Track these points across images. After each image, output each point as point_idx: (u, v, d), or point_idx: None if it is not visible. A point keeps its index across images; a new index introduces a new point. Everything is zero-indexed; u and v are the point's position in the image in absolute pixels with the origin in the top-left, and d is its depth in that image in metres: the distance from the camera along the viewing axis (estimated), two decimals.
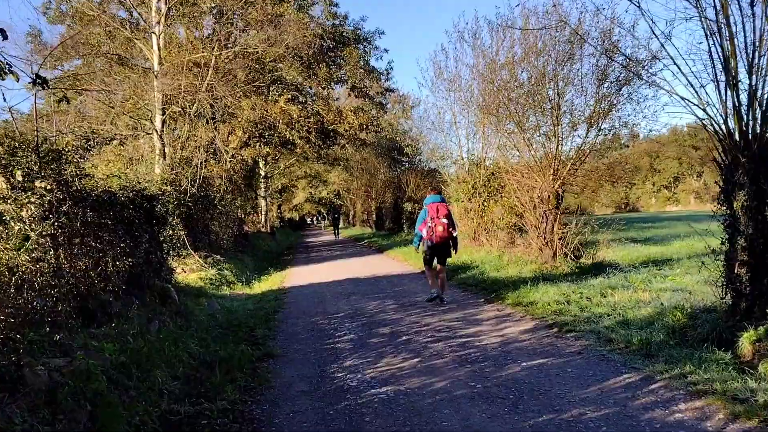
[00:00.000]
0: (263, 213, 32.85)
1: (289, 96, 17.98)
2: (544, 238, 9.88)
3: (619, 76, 9.33)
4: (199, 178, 13.77)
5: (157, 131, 13.97)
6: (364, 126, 19.16)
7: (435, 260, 8.30)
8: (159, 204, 8.66)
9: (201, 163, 13.85)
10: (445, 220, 8.10)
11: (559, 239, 9.76)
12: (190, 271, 12.56)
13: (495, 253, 12.25)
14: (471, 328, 6.34)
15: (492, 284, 8.90)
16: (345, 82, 18.39)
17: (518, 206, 11.40)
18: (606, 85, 9.49)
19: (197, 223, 14.37)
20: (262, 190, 32.93)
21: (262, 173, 30.96)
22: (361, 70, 18.00)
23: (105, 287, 6.04)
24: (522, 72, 9.89)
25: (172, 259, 12.97)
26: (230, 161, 17.80)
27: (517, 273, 9.50)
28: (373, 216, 33.74)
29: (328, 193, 55.97)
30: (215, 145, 16.50)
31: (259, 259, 17.83)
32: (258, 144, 19.64)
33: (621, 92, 9.53)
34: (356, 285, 10.68)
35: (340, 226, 46.64)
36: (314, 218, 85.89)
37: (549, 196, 9.85)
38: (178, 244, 13.31)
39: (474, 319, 6.82)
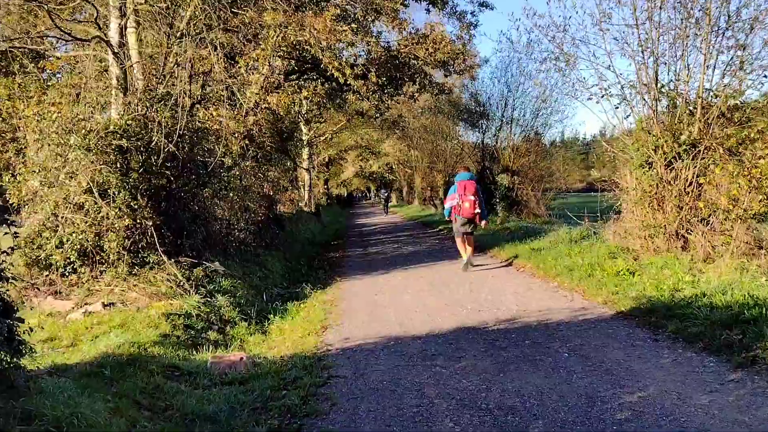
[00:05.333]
0: (306, 188, 27.10)
1: (338, 12, 11.77)
2: None
3: None
4: (180, 128, 7.80)
5: (111, 45, 8.06)
6: (452, 59, 12.83)
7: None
8: None
9: (184, 96, 7.86)
10: (472, 197, 9.02)
11: None
12: (151, 297, 6.68)
13: (756, 270, 5.90)
14: None
15: None
16: None
17: None
18: None
19: (183, 206, 8.50)
20: (305, 161, 27.12)
21: (305, 139, 25.08)
22: None
23: None
24: None
25: (121, 277, 7.15)
26: (252, 110, 11.86)
27: None
28: (440, 193, 27.43)
29: (379, 167, 50.31)
30: (228, 86, 10.57)
31: (294, 258, 11.93)
32: (294, 88, 13.65)
33: None
34: (496, 358, 4.53)
35: (390, 203, 41.74)
36: (363, 194, 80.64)
37: None
38: (143, 245, 7.48)
39: None
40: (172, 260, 7.42)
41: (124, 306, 6.60)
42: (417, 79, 14.39)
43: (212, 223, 9.56)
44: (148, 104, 8.12)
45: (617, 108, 8.46)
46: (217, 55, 8.19)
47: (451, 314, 6.08)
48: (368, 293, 7.76)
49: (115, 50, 8.07)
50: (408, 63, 13.35)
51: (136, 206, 7.40)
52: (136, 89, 8.22)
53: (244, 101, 11.07)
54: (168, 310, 6.29)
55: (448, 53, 12.84)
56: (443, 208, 10.35)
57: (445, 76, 14.93)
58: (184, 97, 7.85)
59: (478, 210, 9.00)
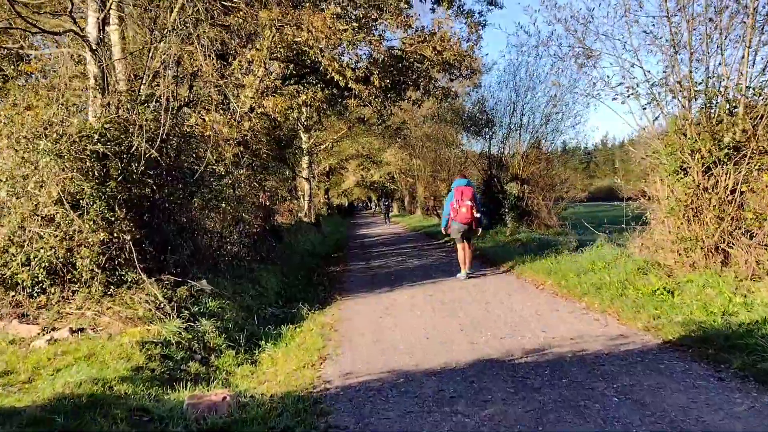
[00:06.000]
0: (306, 198, 26.34)
1: (339, 11, 11.06)
2: None
3: None
4: (163, 133, 7.04)
5: (88, 41, 7.33)
6: (459, 61, 12.16)
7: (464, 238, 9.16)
8: None
9: (168, 97, 7.10)
10: (469, 203, 9.06)
11: None
12: (126, 322, 5.90)
13: None
14: None
15: None
16: None
17: None
18: None
19: (168, 218, 7.74)
20: (305, 170, 26.38)
21: (305, 147, 24.37)
22: None
23: None
24: None
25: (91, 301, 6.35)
26: (246, 115, 11.14)
27: None
28: (443, 202, 26.67)
29: (380, 177, 49.71)
30: (219, 87, 9.92)
31: (291, 272, 11.14)
32: (291, 92, 12.98)
33: None
34: (530, 403, 3.73)
35: (392, 213, 41.67)
36: (365, 203, 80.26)
37: None
38: (120, 261, 6.71)
39: None
40: (153, 279, 6.64)
41: (94, 332, 5.81)
42: (421, 84, 13.70)
43: (201, 236, 8.81)
44: (129, 106, 7.40)
45: (645, 109, 7.71)
46: (205, 52, 7.44)
47: (468, 342, 5.27)
48: (372, 314, 6.95)
49: (93, 47, 7.33)
50: (412, 66, 12.66)
51: (113, 218, 6.65)
52: (117, 90, 7.47)
53: (238, 105, 10.36)
54: (143, 338, 5.50)
55: (456, 55, 12.14)
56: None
57: (451, 80, 14.23)
58: (169, 99, 7.09)
59: (477, 214, 9.09)
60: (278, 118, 13.06)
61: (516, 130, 15.84)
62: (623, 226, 8.22)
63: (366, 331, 6.10)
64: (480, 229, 9.51)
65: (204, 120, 10.22)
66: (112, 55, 8.42)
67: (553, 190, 14.96)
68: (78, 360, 5.10)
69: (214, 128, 10.02)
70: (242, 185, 11.41)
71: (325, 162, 38.06)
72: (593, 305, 6.33)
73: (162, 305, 6.19)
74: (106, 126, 6.96)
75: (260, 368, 5.37)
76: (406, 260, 12.43)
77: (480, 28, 12.02)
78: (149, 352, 5.27)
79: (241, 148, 11.83)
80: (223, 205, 9.86)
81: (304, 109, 22.74)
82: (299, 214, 24.54)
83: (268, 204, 13.05)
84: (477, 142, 19.96)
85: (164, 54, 7.30)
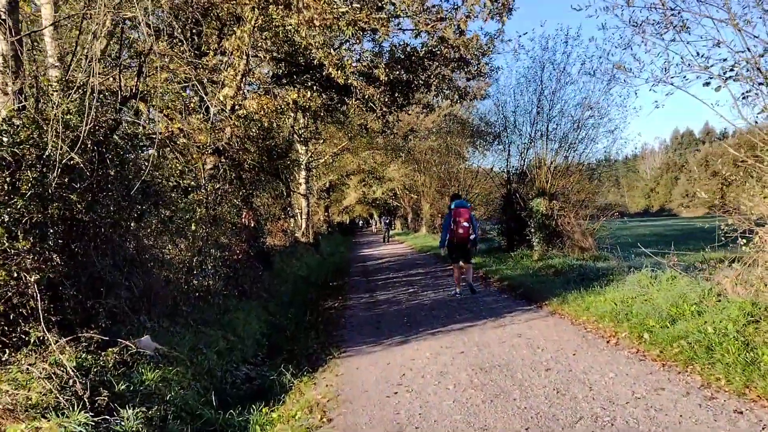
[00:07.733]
0: (304, 217, 24.34)
1: None
2: None
3: None
4: (84, 132, 5.01)
5: None
6: (477, 56, 10.39)
7: (460, 259, 9.40)
8: None
9: (95, 83, 5.11)
10: (466, 224, 9.21)
11: None
12: (7, 413, 3.83)
13: None
14: None
15: None
16: None
17: None
18: None
19: (105, 248, 5.71)
20: (303, 185, 24.39)
21: (302, 160, 22.39)
22: None
23: None
24: None
25: None
26: (226, 119, 9.19)
27: None
28: None
29: (383, 193, 47.87)
30: (188, 79, 8.17)
31: (279, 308, 9.08)
32: (283, 88, 11.14)
33: None
34: None
35: (393, 230, 40.54)
36: (366, 220, 78.53)
37: None
38: (23, 312, 4.68)
39: None
40: (67, 338, 4.61)
41: None
42: (433, 84, 11.83)
43: (158, 269, 6.77)
44: (53, 95, 5.44)
45: (745, 97, 5.73)
46: (149, 21, 5.42)
47: None
48: (382, 388, 4.86)
49: (2, 16, 5.38)
50: (422, 63, 10.79)
51: (12, 251, 4.65)
52: (32, 73, 5.51)
53: (213, 104, 8.41)
54: None
55: (477, 47, 10.27)
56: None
57: (468, 79, 12.34)
58: (95, 85, 5.10)
59: (472, 235, 9.25)
60: (266, 124, 11.11)
61: (541, 138, 13.85)
62: (670, 250, 6.21)
63: (375, 423, 4.03)
64: (475, 248, 9.85)
65: (170, 120, 8.29)
66: (42, 34, 6.50)
67: (586, 206, 12.93)
68: None
69: (180, 130, 8.08)
70: (220, 202, 9.46)
71: (325, 177, 36.11)
72: (715, 381, 4.25)
73: (69, 382, 4.15)
74: (12, 122, 5.03)
75: None
76: (420, 292, 10.35)
77: (507, 13, 10.08)
78: None
79: (222, 159, 9.90)
80: (194, 227, 7.90)
81: (300, 119, 20.83)
82: (296, 234, 22.48)
83: (253, 224, 11.03)
84: (488, 156, 18.00)
85: (95, 23, 5.31)
